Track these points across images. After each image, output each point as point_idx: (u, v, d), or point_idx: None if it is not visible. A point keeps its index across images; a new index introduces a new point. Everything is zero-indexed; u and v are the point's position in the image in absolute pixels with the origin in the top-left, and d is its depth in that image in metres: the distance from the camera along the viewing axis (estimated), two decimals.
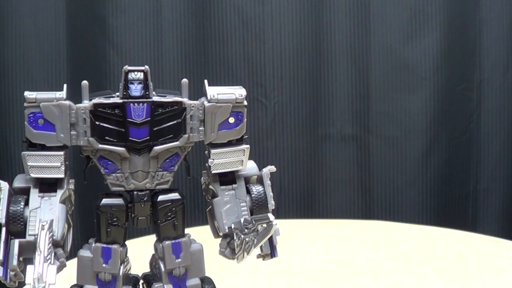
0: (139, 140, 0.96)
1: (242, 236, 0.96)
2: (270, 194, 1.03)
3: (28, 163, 0.95)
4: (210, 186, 1.03)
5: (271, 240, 1.03)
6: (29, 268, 0.86)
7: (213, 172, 1.01)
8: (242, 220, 0.97)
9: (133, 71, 0.96)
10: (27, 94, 0.95)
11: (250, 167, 1.05)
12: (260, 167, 1.06)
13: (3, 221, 0.91)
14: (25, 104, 0.94)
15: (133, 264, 1.04)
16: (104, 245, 0.97)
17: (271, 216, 0.97)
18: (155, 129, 0.97)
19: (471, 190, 2.32)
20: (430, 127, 2.28)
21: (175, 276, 0.99)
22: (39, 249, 0.87)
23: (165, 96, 0.99)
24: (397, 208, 2.29)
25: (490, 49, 2.27)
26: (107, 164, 0.98)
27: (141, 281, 1.03)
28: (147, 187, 0.99)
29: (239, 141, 1.02)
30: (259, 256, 1.04)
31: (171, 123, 0.98)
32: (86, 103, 0.96)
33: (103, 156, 0.98)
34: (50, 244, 0.88)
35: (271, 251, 1.04)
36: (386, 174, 2.29)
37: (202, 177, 1.05)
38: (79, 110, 0.95)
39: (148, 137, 0.97)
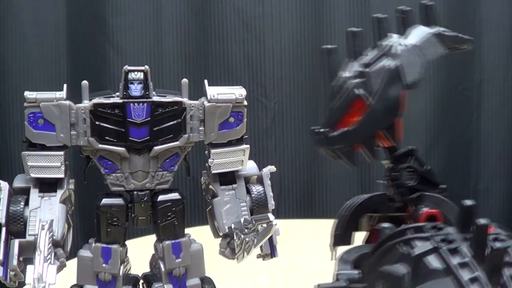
0: (139, 140, 0.96)
1: (242, 236, 0.96)
2: (270, 194, 1.03)
3: (28, 163, 0.95)
4: (210, 186, 1.03)
5: (271, 240, 1.03)
6: (29, 268, 0.86)
7: (213, 172, 1.01)
8: (242, 220, 0.97)
9: (133, 71, 0.97)
10: (27, 94, 0.95)
11: (250, 167, 1.05)
12: (260, 167, 1.06)
13: (3, 221, 0.91)
14: (25, 104, 0.94)
15: (133, 264, 1.04)
16: (104, 245, 0.97)
17: (271, 216, 0.97)
18: (155, 129, 0.97)
19: (471, 190, 2.32)
20: (430, 127, 2.28)
21: (175, 276, 0.99)
22: (39, 249, 0.87)
23: (165, 96, 0.99)
24: None
25: (490, 49, 2.27)
26: (107, 164, 0.98)
27: (141, 281, 1.03)
28: (147, 187, 0.99)
29: (239, 141, 1.02)
30: (259, 256, 1.04)
31: (171, 123, 0.98)
32: (86, 103, 0.96)
33: (103, 156, 0.98)
34: (50, 244, 0.89)
35: (271, 251, 1.04)
36: None
37: (202, 177, 1.05)
38: (79, 110, 0.95)
39: (148, 137, 0.97)
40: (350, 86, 0.93)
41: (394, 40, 0.96)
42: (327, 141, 0.94)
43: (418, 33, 0.95)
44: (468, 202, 0.75)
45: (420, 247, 0.72)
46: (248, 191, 1.03)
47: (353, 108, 0.93)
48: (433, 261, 0.69)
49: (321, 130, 0.95)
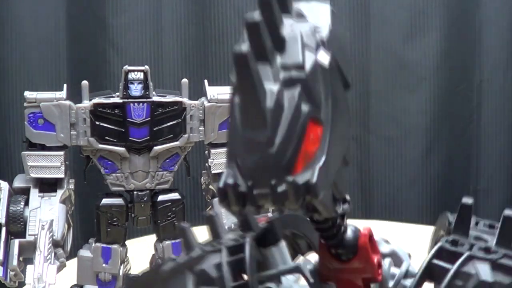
0: (139, 140, 0.96)
1: None
2: None
3: (28, 163, 0.95)
4: (210, 186, 1.03)
5: None
6: (29, 268, 0.87)
7: (213, 172, 1.01)
8: None
9: (133, 71, 0.97)
10: (27, 94, 0.95)
11: None
12: None
13: (3, 221, 0.91)
14: (25, 104, 0.94)
15: (133, 264, 1.04)
16: (104, 245, 0.97)
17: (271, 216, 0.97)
18: (155, 129, 0.97)
19: (471, 190, 2.32)
20: (430, 127, 2.28)
21: None
22: (39, 249, 0.87)
23: (165, 96, 0.99)
24: (397, 208, 2.29)
25: (490, 49, 2.27)
26: (107, 164, 0.98)
27: None
28: (147, 187, 0.99)
29: None
30: None
31: (171, 123, 0.98)
32: (86, 103, 0.96)
33: (103, 156, 0.98)
34: (50, 244, 0.89)
35: None
36: (386, 174, 2.28)
37: (202, 177, 1.05)
38: (79, 110, 0.95)
39: (148, 137, 0.97)
40: (292, 103, 0.55)
41: (300, 27, 0.59)
42: (296, 194, 0.52)
43: (317, 9, 0.62)
44: (469, 201, 0.66)
45: (480, 268, 0.59)
46: None
47: (309, 132, 0.56)
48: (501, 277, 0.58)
49: (271, 182, 0.52)
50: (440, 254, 0.61)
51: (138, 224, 1.00)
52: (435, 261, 0.60)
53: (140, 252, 1.09)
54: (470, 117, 2.32)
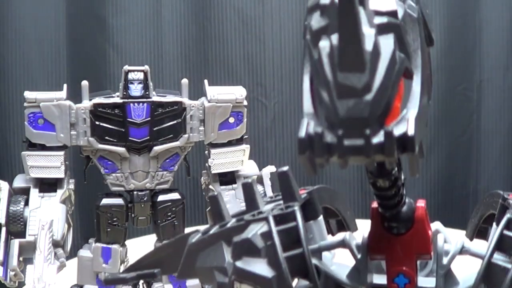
0: (139, 140, 0.96)
1: None
2: (270, 194, 1.03)
3: (28, 163, 0.95)
4: (210, 186, 1.03)
5: None
6: (29, 268, 0.87)
7: (213, 172, 1.01)
8: None
9: (133, 71, 0.97)
10: (27, 94, 0.95)
11: (250, 167, 1.05)
12: (260, 167, 1.06)
13: (3, 221, 0.92)
14: (25, 104, 0.95)
15: None
16: (104, 245, 0.97)
17: None
18: (155, 129, 0.97)
19: (471, 190, 2.32)
20: (430, 127, 2.28)
21: (175, 276, 0.99)
22: (39, 249, 0.87)
23: (165, 96, 0.99)
24: None
25: (490, 49, 2.27)
26: (107, 164, 0.98)
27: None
28: (147, 187, 0.99)
29: (239, 141, 1.02)
30: None
31: (171, 123, 0.98)
32: (86, 103, 0.96)
33: (103, 156, 0.98)
34: (50, 244, 0.89)
35: None
36: None
37: (202, 177, 1.05)
38: (79, 110, 0.95)
39: (148, 137, 0.97)
40: (388, 49, 0.51)
41: None
42: (388, 146, 0.48)
43: None
44: None
45: None
46: None
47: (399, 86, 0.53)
48: None
49: (365, 132, 0.48)
50: (509, 226, 0.60)
51: (138, 224, 1.00)
52: (506, 232, 0.59)
53: (140, 252, 1.09)
54: (470, 117, 2.32)
